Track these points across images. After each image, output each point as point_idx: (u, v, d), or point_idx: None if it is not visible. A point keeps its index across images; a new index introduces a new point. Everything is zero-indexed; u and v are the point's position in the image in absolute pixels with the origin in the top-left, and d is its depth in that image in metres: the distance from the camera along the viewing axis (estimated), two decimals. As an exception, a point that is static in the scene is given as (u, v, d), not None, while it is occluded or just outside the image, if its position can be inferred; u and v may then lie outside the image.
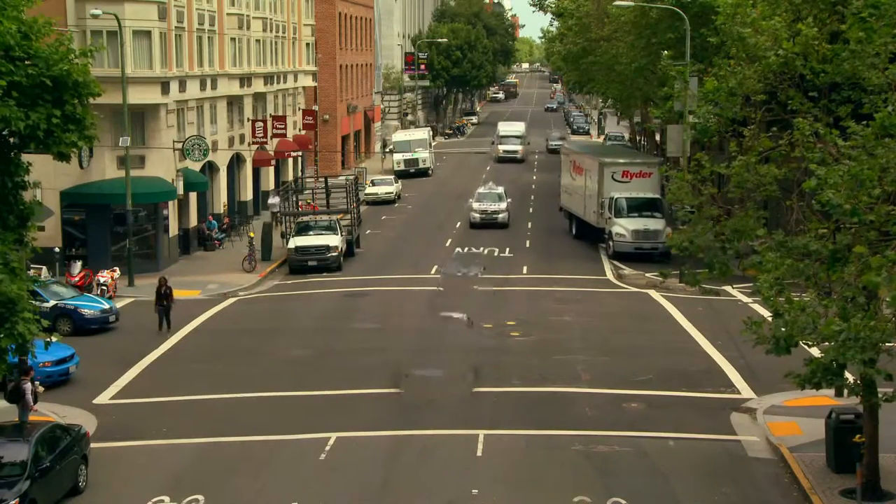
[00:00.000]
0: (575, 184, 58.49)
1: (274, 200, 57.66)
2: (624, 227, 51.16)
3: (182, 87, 50.94)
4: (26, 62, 21.61)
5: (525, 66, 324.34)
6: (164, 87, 47.78)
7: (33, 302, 23.01)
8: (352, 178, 62.53)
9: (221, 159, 57.68)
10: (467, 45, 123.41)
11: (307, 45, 76.52)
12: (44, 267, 41.74)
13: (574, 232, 58.53)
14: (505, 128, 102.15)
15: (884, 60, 22.41)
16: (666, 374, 32.03)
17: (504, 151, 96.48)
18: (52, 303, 36.93)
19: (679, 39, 47.91)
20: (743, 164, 24.41)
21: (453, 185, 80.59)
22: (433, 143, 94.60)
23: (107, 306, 38.42)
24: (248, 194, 63.10)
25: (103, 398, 30.37)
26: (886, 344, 19.38)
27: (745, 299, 40.63)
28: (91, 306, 37.98)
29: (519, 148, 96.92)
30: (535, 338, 36.70)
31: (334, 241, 50.00)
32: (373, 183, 75.01)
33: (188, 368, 33.54)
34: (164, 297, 37.91)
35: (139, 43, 46.36)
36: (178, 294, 44.10)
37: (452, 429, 27.27)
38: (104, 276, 42.67)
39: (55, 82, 21.73)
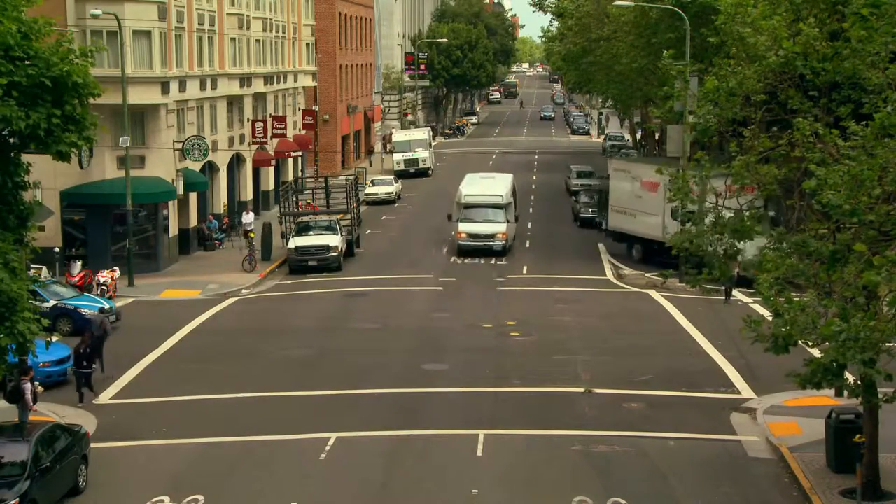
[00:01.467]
0: (642, 203, 50.60)
1: (248, 218, 56.66)
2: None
3: (182, 87, 50.92)
4: (26, 62, 21.58)
5: (525, 66, 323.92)
6: (164, 87, 47.77)
7: (33, 302, 23.00)
8: (352, 178, 62.44)
9: (221, 159, 57.66)
10: (467, 45, 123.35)
11: (307, 45, 76.49)
12: (44, 267, 41.71)
13: (640, 256, 51.47)
14: (472, 190, 55.75)
15: (884, 60, 22.39)
16: (666, 374, 32.02)
17: (469, 236, 52.57)
18: (52, 303, 36.92)
19: (679, 39, 47.85)
20: (743, 164, 24.41)
21: (453, 185, 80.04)
22: (433, 143, 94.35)
23: (107, 306, 38.40)
24: (248, 194, 63.05)
25: (103, 398, 30.34)
26: (886, 344, 19.37)
27: (746, 299, 40.67)
28: (91, 306, 37.95)
29: (500, 230, 52.64)
30: (535, 338, 36.69)
31: (334, 241, 49.99)
32: (373, 183, 74.99)
33: (188, 368, 33.52)
34: (84, 357, 29.77)
35: (139, 43, 46.34)
36: (178, 294, 44.32)
37: (452, 429, 27.28)
38: (104, 276, 42.65)
39: (55, 82, 21.70)
